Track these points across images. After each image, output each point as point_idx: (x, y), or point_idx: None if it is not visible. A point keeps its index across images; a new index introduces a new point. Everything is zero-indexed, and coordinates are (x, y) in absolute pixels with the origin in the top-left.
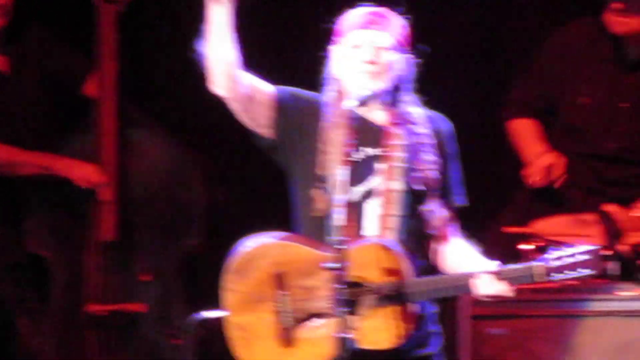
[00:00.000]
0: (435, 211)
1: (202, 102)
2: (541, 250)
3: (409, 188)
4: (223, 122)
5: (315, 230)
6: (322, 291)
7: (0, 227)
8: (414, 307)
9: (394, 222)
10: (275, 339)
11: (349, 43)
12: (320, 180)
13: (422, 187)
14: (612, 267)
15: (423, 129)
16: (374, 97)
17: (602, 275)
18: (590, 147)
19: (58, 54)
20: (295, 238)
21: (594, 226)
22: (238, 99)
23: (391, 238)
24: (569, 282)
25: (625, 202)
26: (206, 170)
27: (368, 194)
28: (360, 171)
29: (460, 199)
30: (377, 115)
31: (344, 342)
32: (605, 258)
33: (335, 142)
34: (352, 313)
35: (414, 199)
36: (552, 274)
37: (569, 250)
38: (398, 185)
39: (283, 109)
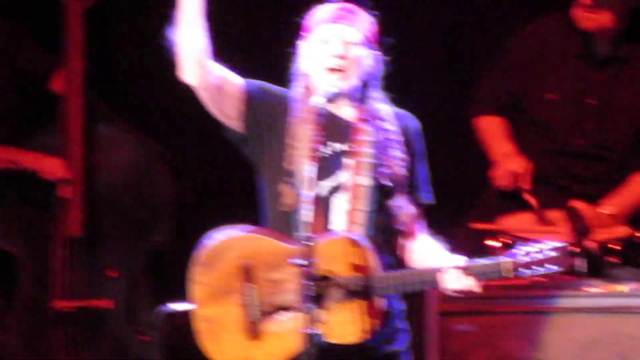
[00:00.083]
0: (403, 207)
1: (170, 99)
2: (508, 246)
3: (377, 183)
4: (190, 118)
5: (283, 225)
6: (289, 284)
7: None
8: (381, 302)
9: (362, 217)
10: (242, 332)
11: (317, 38)
12: (288, 175)
13: (389, 183)
14: (580, 263)
15: (391, 126)
16: (342, 93)
17: (570, 272)
18: (557, 143)
19: (25, 50)
20: (263, 231)
21: (560, 223)
22: (207, 88)
23: (359, 233)
24: (537, 279)
25: (593, 199)
26: (173, 166)
27: (336, 189)
28: (328, 166)
29: (427, 197)
30: (346, 111)
31: (310, 336)
32: (573, 255)
33: (303, 138)
34: (319, 307)
35: (382, 194)
36: (520, 270)
37: (537, 246)
38: (366, 180)
39: (252, 102)
